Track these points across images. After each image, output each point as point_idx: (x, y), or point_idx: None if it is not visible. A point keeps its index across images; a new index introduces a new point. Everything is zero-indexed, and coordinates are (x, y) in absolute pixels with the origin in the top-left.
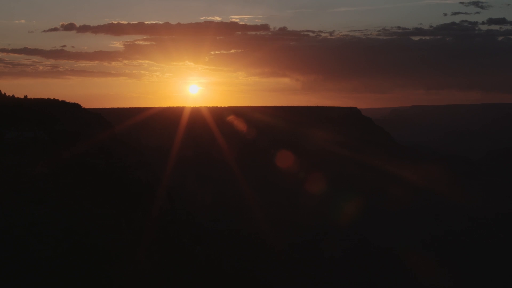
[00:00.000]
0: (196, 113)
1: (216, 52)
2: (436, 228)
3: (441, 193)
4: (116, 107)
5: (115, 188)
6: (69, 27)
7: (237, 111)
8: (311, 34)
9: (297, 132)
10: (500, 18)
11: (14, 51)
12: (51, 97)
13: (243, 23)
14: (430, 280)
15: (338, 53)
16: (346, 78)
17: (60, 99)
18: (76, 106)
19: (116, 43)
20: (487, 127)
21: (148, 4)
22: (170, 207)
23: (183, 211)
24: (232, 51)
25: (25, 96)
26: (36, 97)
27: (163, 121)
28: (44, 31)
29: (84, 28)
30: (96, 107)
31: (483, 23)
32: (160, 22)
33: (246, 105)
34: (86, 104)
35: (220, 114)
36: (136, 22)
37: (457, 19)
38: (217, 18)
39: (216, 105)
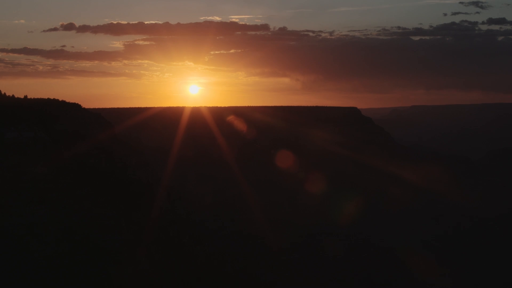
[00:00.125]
0: (196, 113)
1: (216, 52)
2: (436, 228)
3: (441, 193)
4: (116, 107)
5: (115, 188)
6: (69, 27)
7: (237, 111)
8: (311, 34)
9: (297, 132)
10: (500, 18)
11: (13, 51)
12: (51, 97)
13: (243, 23)
14: (430, 280)
15: (338, 53)
16: (346, 78)
17: (60, 99)
18: (76, 106)
19: (116, 43)
20: (487, 127)
21: (148, 4)
22: (170, 207)
23: (183, 211)
24: (232, 51)
25: (25, 96)
26: (36, 97)
27: (163, 121)
28: (44, 31)
29: (84, 28)
30: (96, 107)
31: (483, 23)
32: (159, 22)
33: (246, 105)
34: (86, 104)
35: (220, 114)
36: (136, 22)
37: (457, 19)
38: (217, 18)
39: (216, 105)
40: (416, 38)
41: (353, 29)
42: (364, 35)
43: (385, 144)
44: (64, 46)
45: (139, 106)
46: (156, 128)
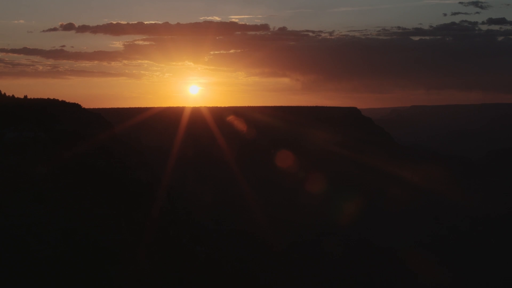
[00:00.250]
0: (196, 113)
1: (216, 52)
2: (436, 228)
3: (441, 193)
4: (116, 107)
5: (115, 188)
6: (68, 27)
7: (237, 111)
8: (311, 34)
9: (297, 132)
10: (500, 18)
11: (13, 51)
12: (51, 97)
13: (243, 23)
14: (429, 280)
15: (338, 53)
16: (346, 78)
17: (60, 99)
18: (76, 106)
19: (116, 43)
20: (487, 127)
21: (147, 4)
22: (170, 207)
23: (183, 211)
24: (232, 51)
25: (25, 96)
26: (36, 97)
27: (163, 121)
28: (43, 31)
29: (83, 28)
30: (96, 107)
31: (483, 23)
32: (159, 22)
33: (246, 105)
34: (86, 104)
35: (220, 114)
36: (136, 22)
37: (457, 19)
38: (217, 18)
39: (216, 105)
40: (416, 38)
41: (353, 29)
42: (364, 35)
43: (385, 144)
44: (63, 46)
45: (139, 106)
46: (156, 128)
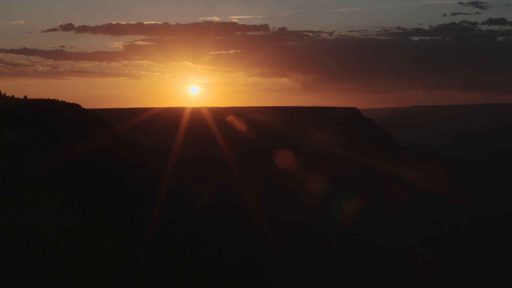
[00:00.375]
0: (196, 113)
1: (216, 52)
2: (436, 228)
3: (441, 193)
4: (116, 107)
5: (115, 188)
6: (68, 27)
7: (237, 112)
8: (310, 34)
9: (297, 133)
10: (500, 18)
11: (13, 51)
12: (51, 98)
13: (243, 23)
14: (429, 280)
15: (338, 54)
16: (346, 78)
17: (60, 100)
18: (76, 107)
19: (116, 44)
20: (487, 127)
21: (147, 4)
22: (170, 207)
23: (183, 211)
24: (232, 51)
25: (25, 97)
26: (36, 97)
27: (163, 121)
28: (43, 31)
29: (83, 29)
30: (96, 107)
31: (483, 23)
32: (159, 23)
33: (246, 105)
34: (86, 105)
35: (220, 114)
36: (135, 22)
37: (457, 19)
38: (216, 19)
39: (216, 106)
40: (416, 38)
41: (353, 29)
42: (363, 35)
43: (385, 144)
44: (63, 46)
45: (139, 107)
46: (156, 128)
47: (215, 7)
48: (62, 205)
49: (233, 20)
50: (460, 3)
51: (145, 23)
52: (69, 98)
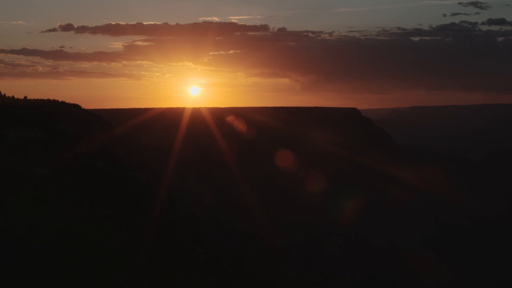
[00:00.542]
0: (196, 113)
1: (215, 53)
2: (436, 228)
3: (441, 193)
4: (116, 108)
5: (115, 188)
6: (67, 27)
7: (237, 112)
8: (310, 34)
9: (297, 133)
10: (500, 18)
11: (12, 51)
12: (51, 98)
13: (242, 23)
14: (430, 279)
15: (338, 54)
16: (345, 78)
17: (60, 100)
18: (76, 107)
19: (115, 44)
20: (487, 127)
21: (146, 4)
22: (170, 207)
23: (183, 211)
24: (231, 51)
25: (25, 97)
26: (36, 98)
27: (163, 121)
28: (42, 31)
29: (82, 29)
30: (96, 108)
31: (483, 23)
32: (158, 23)
33: (246, 106)
34: (86, 105)
35: (220, 114)
36: (135, 22)
37: (456, 19)
38: (216, 19)
39: (216, 106)
40: (416, 38)
41: (353, 29)
42: (363, 35)
43: (385, 145)
44: (63, 47)
45: (139, 107)
46: (156, 128)
47: (214, 7)
48: (62, 205)
49: (232, 20)
50: (459, 3)
51: (144, 23)
52: (69, 99)
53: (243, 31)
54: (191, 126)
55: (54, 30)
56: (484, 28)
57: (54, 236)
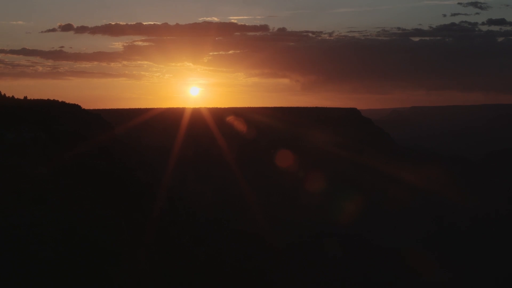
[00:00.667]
0: (196, 113)
1: (215, 53)
2: (436, 228)
3: (441, 193)
4: (116, 108)
5: (115, 188)
6: (67, 27)
7: (237, 112)
8: (310, 34)
9: (297, 133)
10: (500, 18)
11: (12, 51)
12: (51, 98)
13: (242, 23)
14: (429, 279)
15: (338, 54)
16: (345, 79)
17: (60, 100)
18: (76, 107)
19: (115, 44)
20: (487, 127)
21: (146, 4)
22: (170, 207)
23: (183, 211)
24: (231, 52)
25: (25, 97)
26: (36, 98)
27: (163, 121)
28: (42, 31)
29: (82, 29)
30: (96, 108)
31: (483, 23)
32: (158, 23)
33: (246, 106)
34: (86, 105)
35: (220, 114)
36: (134, 23)
37: (456, 19)
38: (216, 19)
39: (216, 106)
40: (416, 39)
41: (353, 29)
42: (363, 35)
43: (385, 145)
44: (62, 47)
45: (140, 107)
46: (157, 128)
47: (214, 7)
48: (62, 205)
49: (232, 20)
50: (459, 3)
51: (144, 23)
52: (69, 99)
53: (243, 31)
54: (191, 126)
55: (53, 30)
56: (484, 28)
57: (54, 236)
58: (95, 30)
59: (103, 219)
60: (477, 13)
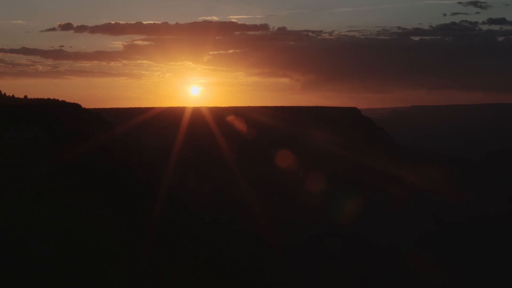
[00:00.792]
0: (196, 113)
1: (215, 52)
2: (436, 227)
3: (441, 193)
4: (116, 107)
5: (115, 188)
6: (67, 27)
7: (237, 111)
8: (310, 34)
9: (297, 132)
10: (500, 18)
11: (12, 51)
12: (51, 97)
13: (242, 23)
14: (429, 279)
15: (338, 53)
16: (346, 78)
17: (60, 99)
18: (76, 106)
19: (115, 43)
20: (487, 127)
21: (146, 4)
22: (170, 207)
23: (184, 211)
24: (231, 51)
25: (25, 96)
26: (36, 97)
27: (163, 121)
28: (42, 31)
29: (82, 28)
30: (96, 107)
31: (483, 23)
32: (158, 22)
33: (246, 105)
34: (86, 104)
35: (220, 114)
36: (134, 22)
37: (457, 19)
38: (216, 18)
39: (216, 105)
40: (416, 38)
41: (353, 29)
42: (363, 35)
43: (385, 144)
44: (62, 46)
45: (140, 106)
46: (157, 128)
47: (214, 6)
48: (62, 205)
49: (232, 19)
50: (459, 3)
51: (144, 22)
52: (69, 98)
53: (243, 31)
54: (191, 125)
55: (53, 29)
56: (484, 27)
57: (54, 236)
58: (95, 29)
59: (103, 219)
60: (477, 13)
